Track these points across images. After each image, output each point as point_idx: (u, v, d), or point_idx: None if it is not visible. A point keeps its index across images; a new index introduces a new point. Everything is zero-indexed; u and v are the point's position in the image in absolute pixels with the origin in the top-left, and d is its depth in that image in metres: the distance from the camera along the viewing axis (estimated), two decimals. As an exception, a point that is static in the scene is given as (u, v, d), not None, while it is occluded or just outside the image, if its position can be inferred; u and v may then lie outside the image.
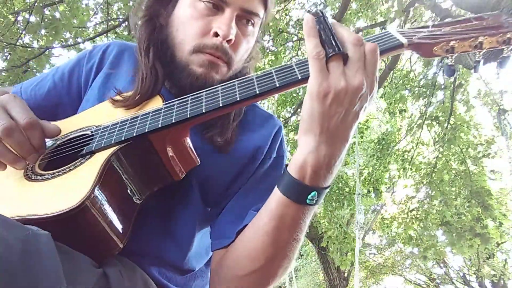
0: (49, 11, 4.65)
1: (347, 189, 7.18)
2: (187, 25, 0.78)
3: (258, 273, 0.68)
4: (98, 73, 0.91)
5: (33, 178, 0.67)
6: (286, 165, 0.63)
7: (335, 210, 7.17)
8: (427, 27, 0.65)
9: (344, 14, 5.90)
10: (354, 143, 6.12)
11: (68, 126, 0.80)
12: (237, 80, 0.67)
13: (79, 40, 5.10)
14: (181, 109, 0.67)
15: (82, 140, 0.73)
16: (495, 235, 6.03)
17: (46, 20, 4.44)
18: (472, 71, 0.66)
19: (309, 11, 0.59)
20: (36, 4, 4.40)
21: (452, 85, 5.71)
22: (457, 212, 6.15)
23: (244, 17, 0.79)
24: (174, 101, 0.70)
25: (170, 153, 0.70)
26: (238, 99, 0.63)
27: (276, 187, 0.64)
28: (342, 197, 7.15)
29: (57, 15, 4.53)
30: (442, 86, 5.99)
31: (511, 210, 7.74)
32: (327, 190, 0.62)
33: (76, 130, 0.78)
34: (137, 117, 0.71)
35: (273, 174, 0.85)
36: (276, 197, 0.63)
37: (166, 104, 0.71)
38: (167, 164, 0.70)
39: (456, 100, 5.95)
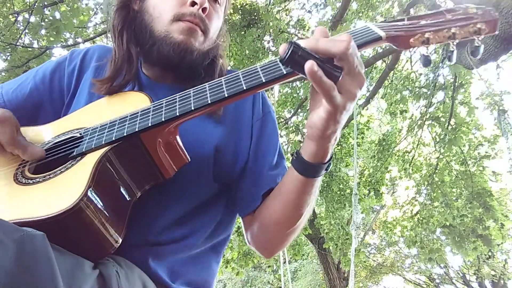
0: (49, 11, 4.64)
1: (348, 190, 7.17)
2: (164, 1, 0.83)
3: (290, 231, 0.82)
4: (80, 75, 0.93)
5: (23, 182, 0.67)
6: (298, 152, 0.70)
7: (336, 211, 7.17)
8: (403, 19, 0.68)
9: (344, 14, 5.90)
10: (356, 144, 6.11)
11: (57, 128, 0.81)
12: (223, 78, 0.69)
13: (79, 40, 5.09)
14: (170, 108, 0.68)
15: (71, 143, 0.73)
16: (497, 237, 6.04)
17: (46, 20, 4.43)
18: (447, 61, 0.70)
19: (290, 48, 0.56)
20: (36, 4, 4.39)
21: (452, 86, 5.71)
22: (459, 214, 6.15)
23: None
24: (162, 100, 0.72)
25: (161, 152, 0.71)
26: (226, 95, 0.65)
27: (295, 172, 0.71)
28: (343, 198, 7.15)
29: (57, 15, 4.52)
30: (443, 87, 5.99)
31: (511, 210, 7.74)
32: None
33: (64, 133, 0.78)
34: (126, 117, 0.71)
35: (268, 131, 0.92)
36: (299, 179, 0.72)
37: (154, 103, 0.72)
38: (158, 163, 0.71)
39: (457, 100, 5.95)
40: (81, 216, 0.58)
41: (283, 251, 3.95)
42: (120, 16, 0.88)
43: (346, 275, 10.18)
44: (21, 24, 4.82)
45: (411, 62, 6.94)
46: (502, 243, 7.95)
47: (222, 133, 0.85)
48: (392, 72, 6.51)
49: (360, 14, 6.54)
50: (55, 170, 0.67)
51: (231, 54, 6.14)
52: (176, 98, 0.70)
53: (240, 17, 6.20)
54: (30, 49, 4.65)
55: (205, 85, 0.70)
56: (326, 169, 0.71)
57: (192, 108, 0.66)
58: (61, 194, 0.61)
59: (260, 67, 0.67)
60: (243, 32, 5.95)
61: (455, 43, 0.65)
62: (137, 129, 0.67)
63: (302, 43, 0.57)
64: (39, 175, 0.67)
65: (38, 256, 0.47)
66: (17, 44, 4.62)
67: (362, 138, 7.95)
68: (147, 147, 0.69)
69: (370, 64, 6.09)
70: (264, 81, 0.64)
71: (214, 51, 0.90)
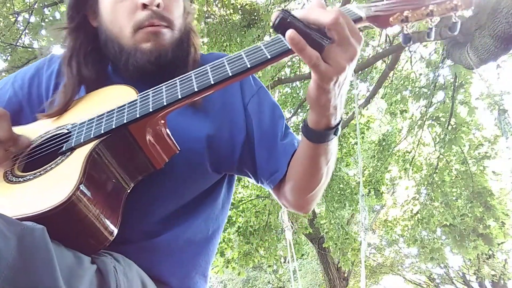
0: (49, 11, 4.64)
1: (348, 190, 7.18)
2: (116, 13, 0.80)
3: (316, 190, 0.84)
4: (58, 79, 0.92)
5: (14, 180, 0.67)
6: (306, 123, 0.72)
7: (336, 210, 7.17)
8: (382, 0, 0.70)
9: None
10: (356, 143, 6.12)
11: (43, 126, 0.80)
12: (209, 65, 0.68)
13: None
14: (157, 98, 0.68)
15: (59, 139, 0.73)
16: (498, 235, 6.05)
17: (46, 20, 4.43)
18: (426, 37, 0.71)
19: (277, 20, 0.59)
20: (36, 4, 4.40)
21: (452, 86, 5.71)
22: (459, 213, 6.16)
23: None
24: (149, 91, 0.71)
25: (150, 142, 0.71)
26: (212, 82, 0.65)
27: (307, 141, 0.73)
28: (344, 198, 7.15)
29: (57, 15, 4.52)
30: (443, 87, 6.00)
31: (511, 209, 7.76)
32: None
33: (52, 130, 0.78)
34: (113, 110, 0.71)
35: (267, 103, 0.91)
36: (310, 145, 0.73)
37: (141, 95, 0.72)
38: (148, 153, 0.71)
39: (457, 100, 5.95)
40: (75, 209, 0.58)
41: (290, 250, 4.00)
42: (70, 41, 0.85)
43: (346, 275, 10.18)
44: (21, 24, 4.83)
45: (411, 62, 6.94)
46: (503, 242, 7.95)
47: (212, 122, 0.84)
48: (392, 72, 6.52)
49: (360, 14, 6.53)
50: (46, 166, 0.67)
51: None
52: (162, 88, 0.70)
53: (240, 17, 6.20)
54: (30, 49, 4.65)
55: (190, 73, 0.69)
56: (335, 134, 0.72)
57: (180, 97, 0.66)
58: (54, 189, 0.61)
59: (244, 53, 0.67)
60: (243, 32, 5.95)
61: (433, 20, 0.67)
62: (125, 121, 0.67)
63: (296, 13, 0.59)
64: (30, 172, 0.67)
65: (38, 249, 0.47)
66: (17, 44, 4.62)
67: (362, 138, 7.95)
68: (136, 139, 0.69)
69: (370, 64, 6.10)
70: (248, 66, 0.64)
71: (186, 31, 0.87)
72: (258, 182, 0.92)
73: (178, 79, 0.70)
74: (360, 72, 6.19)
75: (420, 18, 0.66)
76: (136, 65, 0.79)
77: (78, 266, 0.55)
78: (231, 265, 6.83)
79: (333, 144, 0.76)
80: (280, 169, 0.85)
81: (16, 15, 4.81)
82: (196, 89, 0.65)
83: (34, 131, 0.80)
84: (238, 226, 6.89)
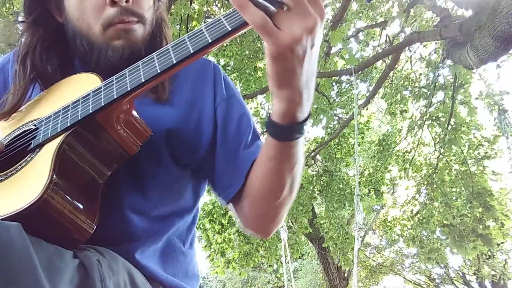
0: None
1: (348, 190, 7.19)
2: (84, 10, 0.76)
3: (277, 204, 0.77)
4: None
5: None
6: (270, 116, 0.66)
7: (336, 210, 7.18)
8: None
9: (344, 14, 5.90)
10: (355, 143, 6.12)
11: (9, 125, 0.79)
12: (170, 45, 0.66)
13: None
14: (121, 83, 0.67)
15: (27, 136, 0.72)
16: (498, 236, 6.05)
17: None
18: None
19: None
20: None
21: (452, 86, 5.71)
22: (459, 214, 6.16)
23: None
24: (112, 78, 0.69)
25: (120, 129, 0.69)
26: (174, 61, 0.63)
27: (270, 138, 0.68)
28: (343, 198, 7.16)
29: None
30: (443, 87, 6.00)
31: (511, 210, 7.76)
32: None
33: (19, 127, 0.76)
34: (78, 101, 0.70)
35: (235, 112, 0.87)
36: (273, 144, 0.68)
37: (105, 82, 0.70)
38: (119, 141, 0.70)
39: (457, 100, 5.96)
40: (49, 206, 0.58)
41: (286, 249, 3.94)
42: (27, 36, 0.82)
43: (346, 275, 10.19)
44: (21, 24, 4.82)
45: (411, 62, 6.94)
46: (502, 242, 7.95)
47: (176, 116, 0.81)
48: (392, 72, 6.52)
49: (360, 15, 6.55)
50: (16, 166, 0.66)
51: (231, 54, 6.14)
52: (125, 73, 0.68)
53: (240, 17, 6.19)
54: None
55: (152, 55, 0.67)
56: (300, 132, 0.66)
57: (143, 80, 0.64)
58: (24, 189, 0.60)
59: (205, 28, 0.64)
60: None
61: None
62: (91, 111, 0.66)
63: None
64: (0, 173, 0.66)
65: (14, 246, 0.47)
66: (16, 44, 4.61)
67: (362, 138, 7.96)
68: (105, 127, 0.68)
69: (370, 64, 6.10)
70: (210, 41, 0.61)
71: (158, 23, 0.84)
72: (214, 193, 0.87)
73: (141, 62, 0.68)
74: (360, 72, 6.19)
75: None
76: (108, 63, 0.77)
77: (59, 260, 0.54)
78: (232, 265, 6.83)
79: (299, 148, 0.70)
80: (235, 183, 0.80)
81: (16, 15, 4.81)
82: (159, 70, 0.63)
83: (1, 129, 0.78)
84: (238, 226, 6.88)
